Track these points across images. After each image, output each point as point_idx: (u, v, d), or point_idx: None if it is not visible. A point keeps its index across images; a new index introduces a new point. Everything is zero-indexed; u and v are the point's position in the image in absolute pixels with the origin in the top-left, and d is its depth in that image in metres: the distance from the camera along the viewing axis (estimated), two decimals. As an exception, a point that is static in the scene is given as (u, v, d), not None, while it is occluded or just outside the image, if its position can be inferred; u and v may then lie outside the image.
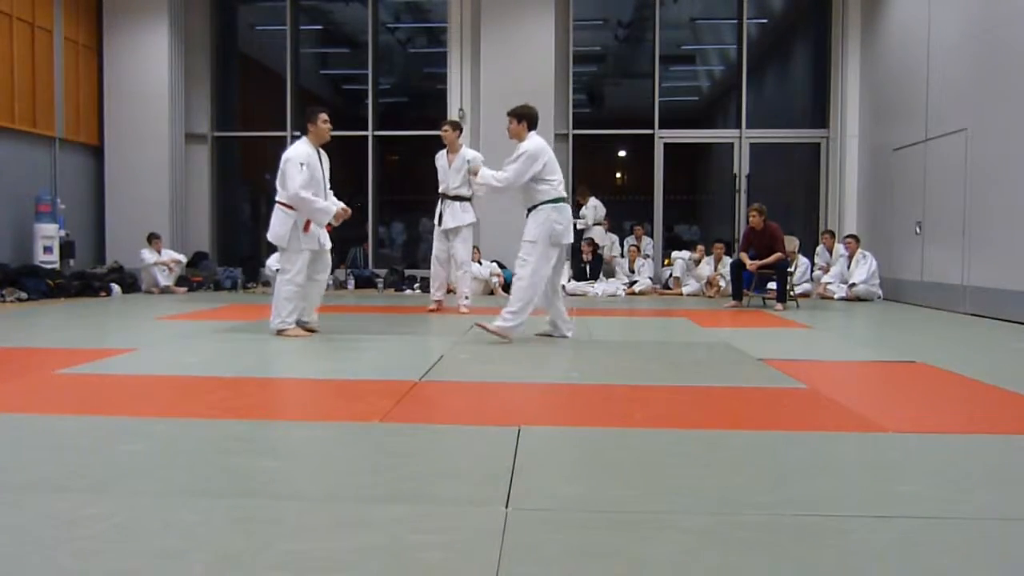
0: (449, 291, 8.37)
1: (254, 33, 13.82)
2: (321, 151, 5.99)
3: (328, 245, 6.06)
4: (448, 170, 7.86)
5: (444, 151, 7.97)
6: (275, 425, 3.11)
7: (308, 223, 5.77)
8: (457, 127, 8.03)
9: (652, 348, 5.60)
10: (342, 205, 6.01)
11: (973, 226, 8.19)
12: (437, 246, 8.05)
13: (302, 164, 5.71)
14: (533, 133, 5.68)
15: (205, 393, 3.77)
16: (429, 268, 8.32)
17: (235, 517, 2.07)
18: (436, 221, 7.98)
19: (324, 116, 5.91)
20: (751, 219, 9.00)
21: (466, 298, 7.99)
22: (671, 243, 12.44)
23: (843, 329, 7.22)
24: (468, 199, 7.88)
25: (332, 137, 6.05)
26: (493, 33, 11.45)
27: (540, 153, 5.54)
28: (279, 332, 5.76)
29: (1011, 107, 7.52)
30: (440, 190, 7.91)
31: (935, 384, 4.19)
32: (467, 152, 7.91)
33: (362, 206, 12.09)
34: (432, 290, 8.21)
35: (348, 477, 2.47)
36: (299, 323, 5.93)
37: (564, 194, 5.67)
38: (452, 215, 7.82)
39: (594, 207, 11.72)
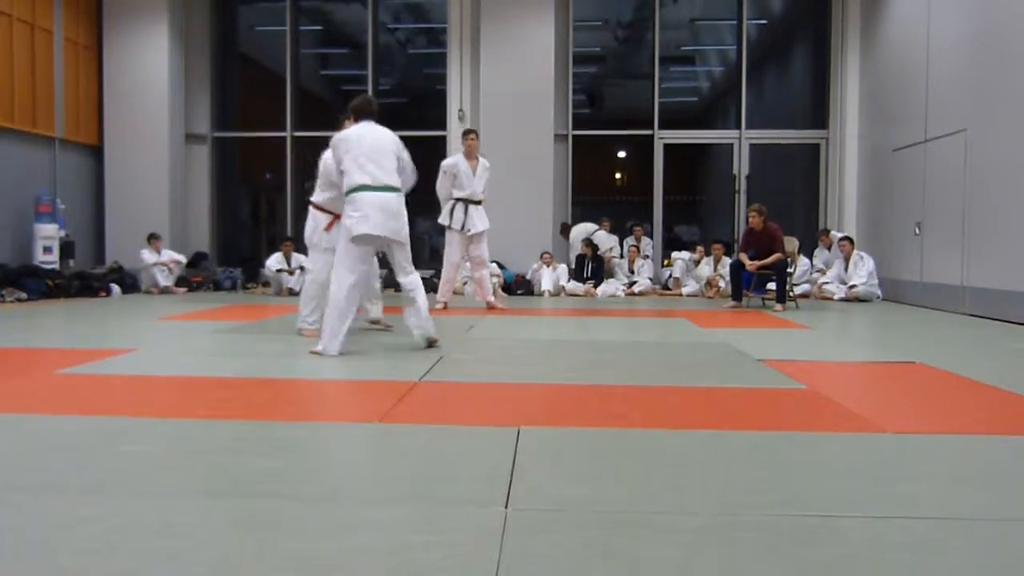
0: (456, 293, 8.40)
1: (254, 33, 13.82)
2: None
3: None
4: (472, 176, 7.93)
5: (461, 156, 7.99)
6: (275, 425, 3.11)
7: (330, 223, 5.79)
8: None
9: (652, 348, 5.60)
10: None
11: (973, 226, 8.19)
12: (458, 251, 8.03)
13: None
14: (359, 123, 5.09)
15: (205, 393, 3.77)
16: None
17: (235, 517, 2.07)
18: (459, 227, 7.95)
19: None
20: (751, 219, 9.00)
21: (493, 295, 8.17)
22: (671, 244, 12.43)
23: (842, 330, 7.21)
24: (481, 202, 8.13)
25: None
26: (493, 33, 11.45)
27: (339, 141, 5.02)
28: (299, 331, 5.76)
29: (1011, 107, 7.52)
30: (463, 195, 7.94)
31: (935, 385, 4.19)
32: (483, 160, 8.11)
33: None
34: (442, 293, 8.16)
35: (348, 477, 2.47)
36: (371, 321, 6.23)
37: (363, 181, 4.86)
38: (481, 219, 8.02)
39: (578, 235, 11.34)
